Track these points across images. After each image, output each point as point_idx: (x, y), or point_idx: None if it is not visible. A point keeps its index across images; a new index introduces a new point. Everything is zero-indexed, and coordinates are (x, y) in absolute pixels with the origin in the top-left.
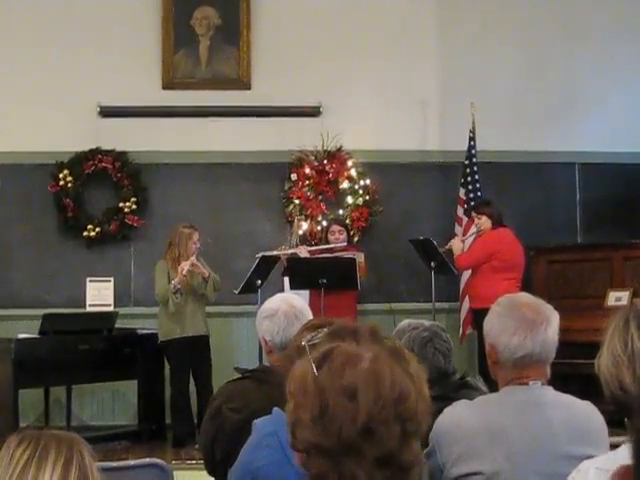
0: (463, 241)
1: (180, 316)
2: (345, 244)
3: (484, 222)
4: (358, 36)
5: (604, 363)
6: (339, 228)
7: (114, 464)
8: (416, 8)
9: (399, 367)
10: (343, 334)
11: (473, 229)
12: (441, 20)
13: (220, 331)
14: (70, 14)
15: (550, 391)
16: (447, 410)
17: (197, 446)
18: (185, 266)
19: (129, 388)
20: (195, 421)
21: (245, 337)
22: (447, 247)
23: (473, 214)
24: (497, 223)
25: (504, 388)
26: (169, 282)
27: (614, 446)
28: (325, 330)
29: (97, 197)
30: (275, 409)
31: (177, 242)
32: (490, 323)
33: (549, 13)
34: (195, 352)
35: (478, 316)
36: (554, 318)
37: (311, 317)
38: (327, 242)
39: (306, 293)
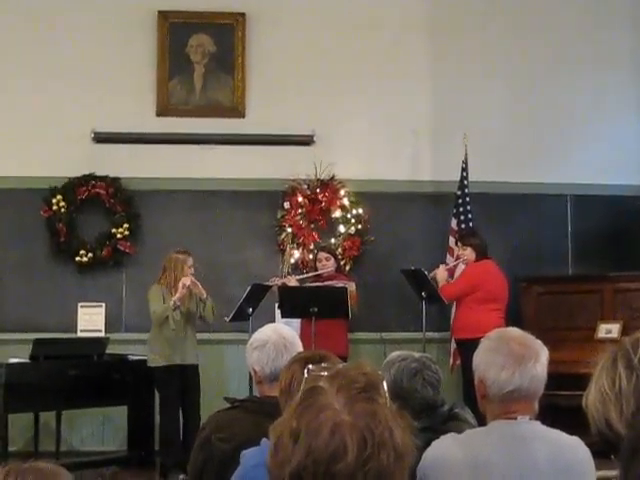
0: (450, 269)
1: (172, 343)
2: (332, 269)
3: (468, 254)
4: (352, 66)
5: (592, 400)
6: (325, 255)
7: None
8: (409, 39)
9: (366, 429)
10: (338, 378)
11: (451, 261)
12: (434, 52)
13: (210, 359)
14: (65, 40)
15: (537, 426)
16: (435, 443)
17: (182, 477)
18: (186, 281)
19: (119, 414)
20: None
21: (236, 365)
22: (431, 275)
23: (458, 245)
24: (482, 255)
25: (492, 422)
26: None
27: None
28: (329, 366)
29: (90, 223)
30: (264, 440)
31: (172, 267)
32: (479, 357)
33: (540, 46)
34: (185, 381)
35: (462, 346)
36: (543, 353)
37: (301, 348)
38: (316, 270)
39: (298, 322)
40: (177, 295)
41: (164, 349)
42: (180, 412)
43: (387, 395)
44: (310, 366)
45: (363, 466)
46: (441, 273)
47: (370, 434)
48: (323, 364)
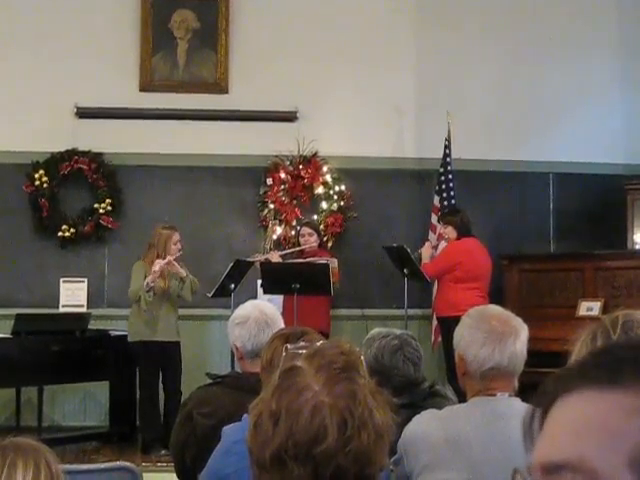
0: (435, 247)
1: (153, 319)
2: (315, 245)
3: (449, 232)
4: (336, 43)
5: None
6: (309, 231)
7: (84, 467)
8: (394, 16)
9: (346, 410)
10: (317, 357)
11: (433, 238)
12: (419, 29)
13: (192, 334)
14: (48, 15)
15: (517, 403)
16: (415, 419)
17: (164, 451)
18: (158, 264)
19: (101, 389)
20: (162, 425)
21: (217, 341)
22: (418, 252)
23: (440, 223)
24: (463, 233)
25: (471, 399)
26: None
27: None
28: (307, 344)
29: (72, 198)
30: (245, 416)
31: (156, 243)
32: (459, 334)
33: (525, 25)
34: (165, 357)
35: (442, 324)
36: (523, 331)
37: (282, 324)
38: (299, 245)
39: (280, 298)
40: (149, 277)
41: (141, 325)
42: (161, 388)
43: (366, 374)
44: (288, 345)
45: (344, 447)
46: (426, 250)
47: (350, 415)
48: (302, 342)
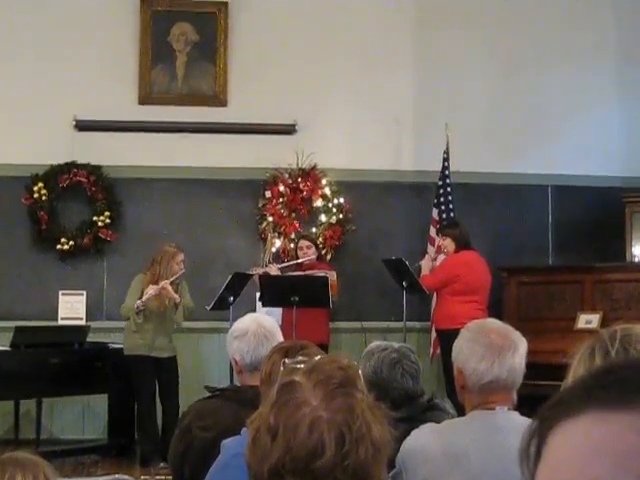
0: (434, 259)
1: (147, 335)
2: (313, 257)
3: (448, 244)
4: (335, 56)
5: None
6: (307, 243)
7: None
8: (392, 28)
9: (344, 425)
10: (315, 372)
11: (432, 251)
12: (417, 41)
13: (191, 347)
14: (47, 27)
15: (516, 416)
16: (414, 433)
17: (162, 464)
18: (150, 290)
19: (99, 402)
20: (160, 438)
21: (216, 354)
22: (418, 264)
23: (439, 236)
24: (462, 246)
25: (470, 413)
26: (140, 298)
27: None
28: (305, 359)
29: (71, 211)
30: (244, 429)
31: (159, 260)
32: (458, 348)
33: (523, 36)
34: (162, 371)
35: (441, 337)
36: (522, 344)
37: (281, 338)
38: (297, 258)
39: (279, 311)
40: (139, 301)
41: (136, 341)
42: (158, 401)
43: (364, 388)
44: (286, 359)
45: (342, 462)
46: (426, 263)
47: (348, 430)
48: (300, 356)
